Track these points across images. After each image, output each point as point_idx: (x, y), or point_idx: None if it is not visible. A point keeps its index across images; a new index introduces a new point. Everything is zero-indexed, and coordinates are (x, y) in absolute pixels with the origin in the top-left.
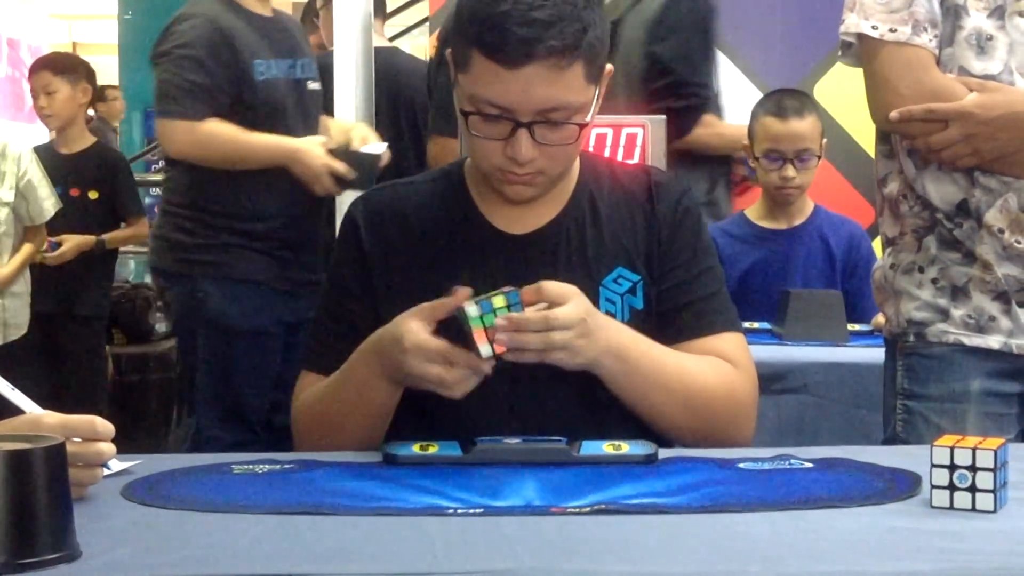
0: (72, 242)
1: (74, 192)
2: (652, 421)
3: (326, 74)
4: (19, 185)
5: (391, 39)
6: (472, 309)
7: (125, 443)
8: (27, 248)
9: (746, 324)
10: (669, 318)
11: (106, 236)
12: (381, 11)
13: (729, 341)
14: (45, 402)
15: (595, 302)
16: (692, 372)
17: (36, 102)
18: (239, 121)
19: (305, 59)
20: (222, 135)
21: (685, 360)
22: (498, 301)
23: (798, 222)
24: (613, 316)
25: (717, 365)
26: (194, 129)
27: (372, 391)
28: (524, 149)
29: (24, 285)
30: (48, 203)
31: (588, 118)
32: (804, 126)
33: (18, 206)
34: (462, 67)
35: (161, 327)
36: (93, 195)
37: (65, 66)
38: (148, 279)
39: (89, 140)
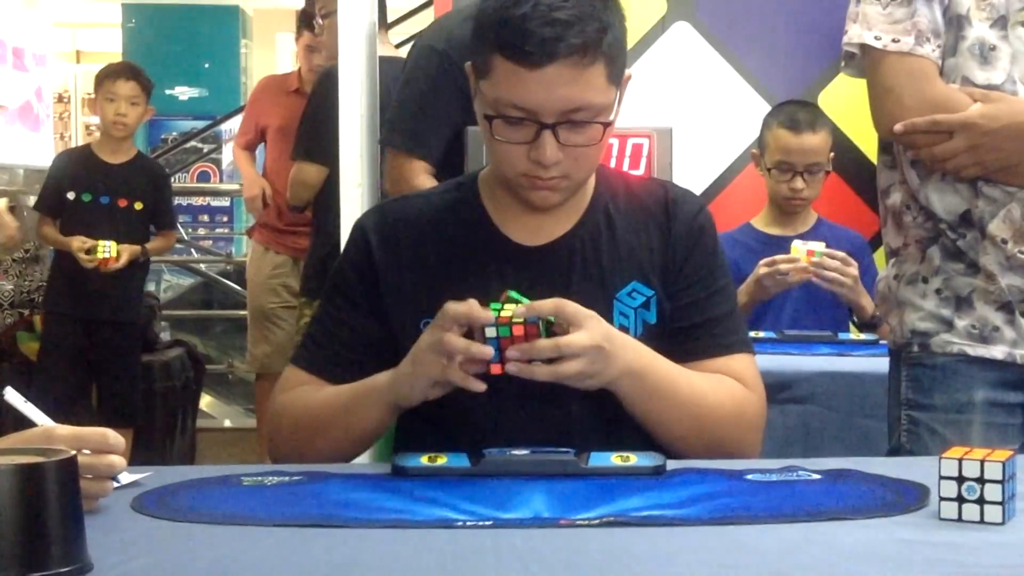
0: (128, 251)
1: (122, 202)
2: (661, 437)
3: (329, 83)
4: None
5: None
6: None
7: (129, 452)
8: None
9: (750, 334)
10: (683, 336)
11: (148, 245)
12: (384, 22)
13: (741, 362)
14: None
15: (609, 315)
16: (705, 393)
17: (112, 106)
18: None
19: None
20: None
21: (698, 381)
22: (509, 310)
23: (803, 230)
24: (627, 330)
25: (729, 385)
26: None
27: (370, 415)
28: (549, 151)
29: None
30: None
31: (611, 118)
32: (816, 140)
33: None
34: (483, 74)
35: (166, 336)
36: (138, 206)
37: (147, 83)
38: (152, 288)
39: (133, 151)
